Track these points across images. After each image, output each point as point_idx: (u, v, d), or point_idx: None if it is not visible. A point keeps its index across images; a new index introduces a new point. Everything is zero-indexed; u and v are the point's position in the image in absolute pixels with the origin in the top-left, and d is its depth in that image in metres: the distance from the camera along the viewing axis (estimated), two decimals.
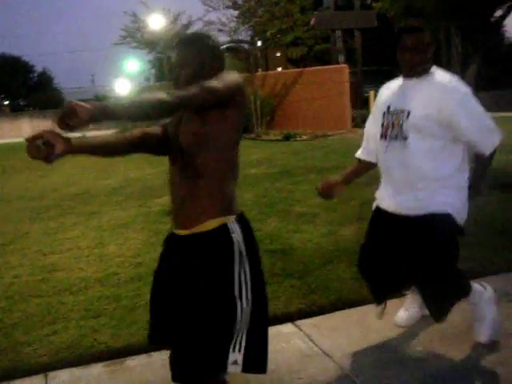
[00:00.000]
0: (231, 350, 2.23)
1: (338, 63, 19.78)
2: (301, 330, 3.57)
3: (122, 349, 3.43)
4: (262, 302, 2.34)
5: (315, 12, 20.56)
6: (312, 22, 19.78)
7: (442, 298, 2.99)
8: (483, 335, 3.18)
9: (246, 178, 9.19)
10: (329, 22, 20.51)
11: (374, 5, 17.16)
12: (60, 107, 50.21)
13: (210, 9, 18.06)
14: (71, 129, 1.81)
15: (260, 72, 20.49)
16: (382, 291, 3.34)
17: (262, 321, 2.34)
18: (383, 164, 3.21)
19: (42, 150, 1.97)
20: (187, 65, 2.32)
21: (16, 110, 51.97)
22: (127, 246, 5.54)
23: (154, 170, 10.58)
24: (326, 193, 3.49)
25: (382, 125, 3.11)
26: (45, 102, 54.97)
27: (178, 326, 2.27)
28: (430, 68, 3.00)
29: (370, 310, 3.79)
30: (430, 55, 2.98)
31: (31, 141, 1.99)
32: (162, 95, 1.95)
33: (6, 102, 62.62)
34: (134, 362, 3.30)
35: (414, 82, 3.00)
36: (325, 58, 27.25)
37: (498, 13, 8.95)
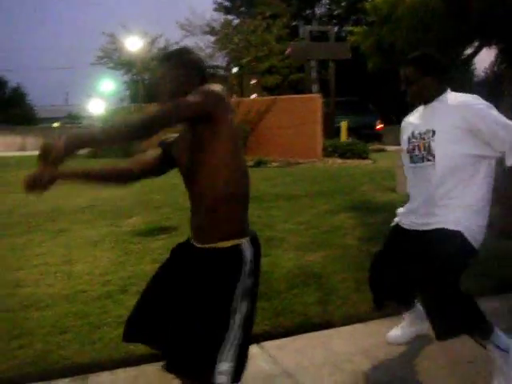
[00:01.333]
0: (219, 358, 2.28)
1: (311, 92, 20.10)
2: (265, 351, 3.62)
3: (86, 365, 3.43)
4: (251, 321, 2.43)
5: (291, 42, 20.90)
6: (287, 52, 20.13)
7: (443, 315, 2.91)
8: None
9: None
10: (304, 52, 20.91)
11: (348, 38, 17.56)
12: (31, 124, 49.82)
13: (188, 33, 18.27)
14: (54, 165, 1.93)
15: (235, 98, 20.68)
16: (384, 298, 3.47)
17: (248, 338, 2.41)
18: (411, 186, 3.30)
19: (37, 181, 2.12)
20: (168, 80, 2.39)
21: None
22: (96, 264, 5.54)
23: (124, 190, 10.58)
24: None
25: (408, 150, 3.21)
26: (17, 118, 54.36)
27: (172, 324, 2.37)
28: (441, 91, 3.09)
29: (334, 333, 3.89)
30: (429, 81, 3.07)
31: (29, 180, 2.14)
32: (129, 119, 2.05)
33: None
34: (98, 378, 3.31)
35: (433, 104, 3.11)
36: (299, 87, 27.61)
37: (469, 50, 9.20)
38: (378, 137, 23.30)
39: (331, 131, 19.68)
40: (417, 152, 3.14)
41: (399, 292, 3.43)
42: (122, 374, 3.33)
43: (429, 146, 3.05)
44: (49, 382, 3.27)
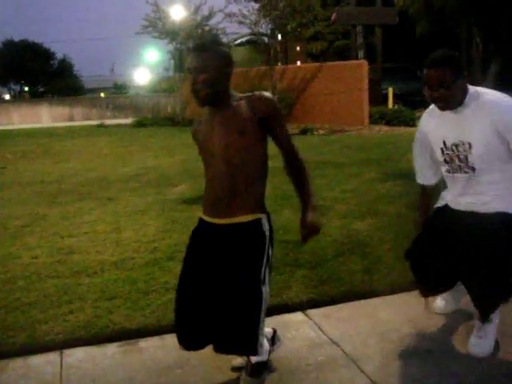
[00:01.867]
0: (261, 327, 2.56)
1: (357, 59, 19.74)
2: (311, 319, 3.63)
3: (135, 330, 3.51)
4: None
5: (336, 7, 20.49)
6: (333, 18, 19.74)
7: (493, 296, 2.99)
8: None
9: None
10: (349, 17, 20.47)
11: (395, 1, 17.11)
12: (78, 95, 50.52)
13: (231, 1, 18.08)
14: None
15: (279, 66, 20.49)
16: (432, 285, 3.33)
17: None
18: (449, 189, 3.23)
19: None
20: (205, 70, 2.48)
21: (35, 97, 52.33)
22: (143, 231, 5.63)
23: (171, 159, 10.68)
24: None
25: (445, 161, 3.09)
26: (64, 89, 55.29)
27: (216, 306, 2.57)
28: (466, 93, 2.92)
29: (379, 302, 3.86)
30: (462, 84, 2.89)
31: None
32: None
33: (26, 88, 63.07)
34: (147, 343, 3.39)
35: (460, 110, 2.95)
36: (344, 54, 27.17)
37: None
38: (425, 104, 22.77)
39: (378, 98, 19.31)
40: (455, 164, 3.04)
41: (449, 278, 3.26)
42: (170, 339, 3.37)
43: (466, 159, 2.97)
44: (99, 346, 3.36)
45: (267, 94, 2.63)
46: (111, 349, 3.34)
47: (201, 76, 2.48)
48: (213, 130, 2.60)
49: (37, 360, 3.23)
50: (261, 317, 2.56)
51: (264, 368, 2.90)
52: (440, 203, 3.31)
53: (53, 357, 3.26)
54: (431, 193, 3.42)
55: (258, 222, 2.59)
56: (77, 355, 3.27)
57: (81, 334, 3.48)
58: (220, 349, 2.64)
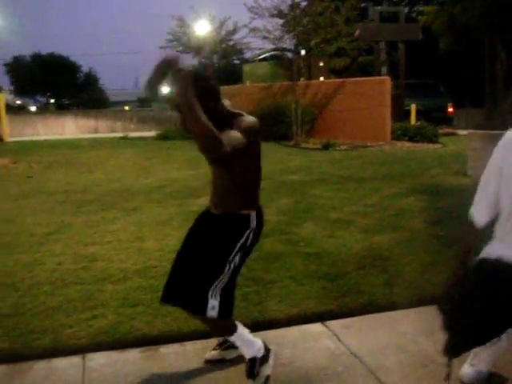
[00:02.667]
0: (210, 295, 2.84)
1: (380, 75, 19.76)
2: (330, 330, 3.66)
3: (156, 337, 3.57)
4: (237, 272, 3.02)
5: (360, 23, 20.57)
6: (356, 34, 19.80)
7: None
8: None
9: (284, 183, 9.30)
10: (373, 33, 20.54)
11: (418, 18, 17.09)
12: (103, 107, 51.13)
13: (256, 16, 18.21)
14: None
15: (302, 81, 20.57)
16: (466, 344, 2.90)
17: (232, 285, 3.00)
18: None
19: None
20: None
21: (61, 109, 53.09)
22: (165, 241, 5.70)
23: (193, 171, 10.79)
24: None
25: None
26: (89, 102, 56.01)
27: (182, 265, 2.99)
28: None
29: (399, 315, 3.88)
30: None
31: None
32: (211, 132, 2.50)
33: (52, 100, 64.01)
34: (168, 349, 3.44)
35: None
36: (367, 70, 27.18)
37: None
38: (448, 120, 22.65)
39: (400, 114, 19.29)
40: None
41: (485, 335, 2.83)
42: (190, 346, 3.44)
43: None
44: (120, 352, 3.43)
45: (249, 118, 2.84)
46: (133, 354, 3.40)
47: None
48: None
49: (60, 363, 3.31)
50: (215, 283, 2.86)
51: (257, 365, 3.02)
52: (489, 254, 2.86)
53: (76, 360, 3.33)
54: (482, 233, 2.94)
55: (247, 216, 2.94)
56: (99, 359, 3.34)
57: (103, 339, 3.54)
58: (171, 299, 2.98)
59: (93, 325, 3.73)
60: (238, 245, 2.91)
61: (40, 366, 3.27)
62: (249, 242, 2.95)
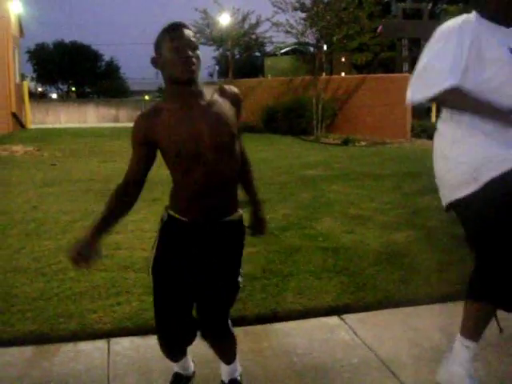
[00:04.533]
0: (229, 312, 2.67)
1: (402, 71, 19.72)
2: (346, 323, 3.75)
3: None
4: None
5: (383, 20, 20.53)
6: (379, 30, 19.78)
7: None
8: None
9: (303, 178, 9.39)
10: (396, 30, 20.49)
11: (442, 16, 17.05)
12: (124, 96, 51.30)
13: (279, 10, 18.25)
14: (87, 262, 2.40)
15: (324, 76, 20.60)
16: None
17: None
18: None
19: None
20: (197, 47, 2.35)
21: (82, 96, 53.52)
22: None
23: None
24: None
25: None
26: (110, 91, 56.40)
27: (210, 290, 2.57)
28: None
29: (414, 311, 3.96)
30: None
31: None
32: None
33: (73, 88, 64.56)
34: None
35: None
36: (389, 66, 27.13)
37: None
38: None
39: (421, 112, 19.27)
40: None
41: None
42: None
43: None
44: (143, 337, 3.55)
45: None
46: (155, 340, 3.51)
47: (196, 52, 2.31)
48: (199, 124, 2.37)
49: (86, 346, 3.44)
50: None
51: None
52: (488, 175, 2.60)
53: (101, 344, 3.46)
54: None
55: (241, 217, 2.59)
56: (123, 344, 3.47)
57: (127, 325, 3.68)
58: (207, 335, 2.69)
59: (117, 311, 3.87)
60: (242, 254, 2.65)
61: (67, 349, 3.40)
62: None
